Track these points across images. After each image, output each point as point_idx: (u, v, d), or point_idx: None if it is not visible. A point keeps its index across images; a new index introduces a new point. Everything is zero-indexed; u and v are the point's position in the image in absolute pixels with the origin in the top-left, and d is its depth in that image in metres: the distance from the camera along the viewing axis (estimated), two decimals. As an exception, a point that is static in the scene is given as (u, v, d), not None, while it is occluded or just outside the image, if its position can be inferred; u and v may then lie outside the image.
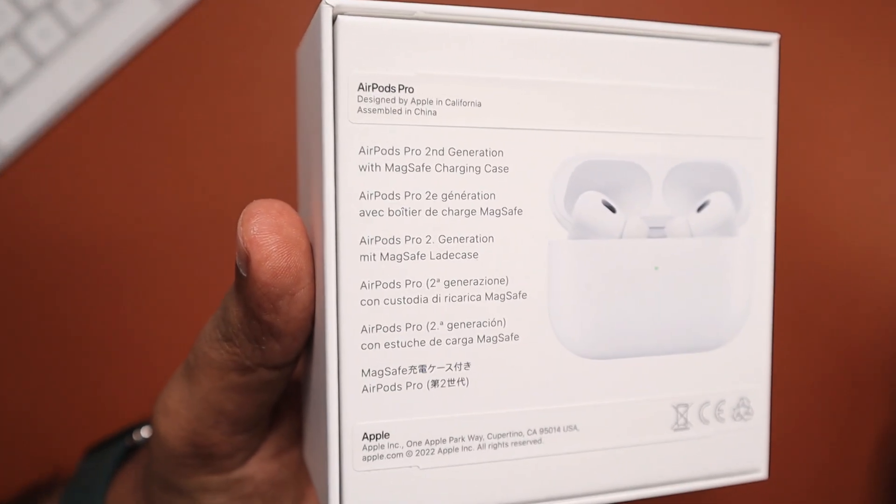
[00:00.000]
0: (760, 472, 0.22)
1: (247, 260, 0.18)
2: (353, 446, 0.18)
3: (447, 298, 0.19)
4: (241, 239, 0.18)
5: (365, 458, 0.18)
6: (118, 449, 0.28)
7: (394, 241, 0.18)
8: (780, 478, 0.42)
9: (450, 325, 0.19)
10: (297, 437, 0.24)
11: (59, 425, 0.38)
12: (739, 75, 0.21)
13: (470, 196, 0.19)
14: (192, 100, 0.40)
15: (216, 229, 0.39)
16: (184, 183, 0.40)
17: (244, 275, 0.19)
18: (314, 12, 0.19)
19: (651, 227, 0.20)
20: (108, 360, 0.39)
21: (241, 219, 0.19)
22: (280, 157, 0.40)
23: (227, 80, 0.41)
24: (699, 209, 0.21)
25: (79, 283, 0.39)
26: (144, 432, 0.29)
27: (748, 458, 0.22)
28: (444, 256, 0.19)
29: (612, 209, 0.20)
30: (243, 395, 0.21)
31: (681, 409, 0.21)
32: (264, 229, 0.18)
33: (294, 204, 0.24)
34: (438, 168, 0.19)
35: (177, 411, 0.21)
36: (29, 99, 0.39)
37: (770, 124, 0.21)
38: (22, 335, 0.39)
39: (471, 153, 0.19)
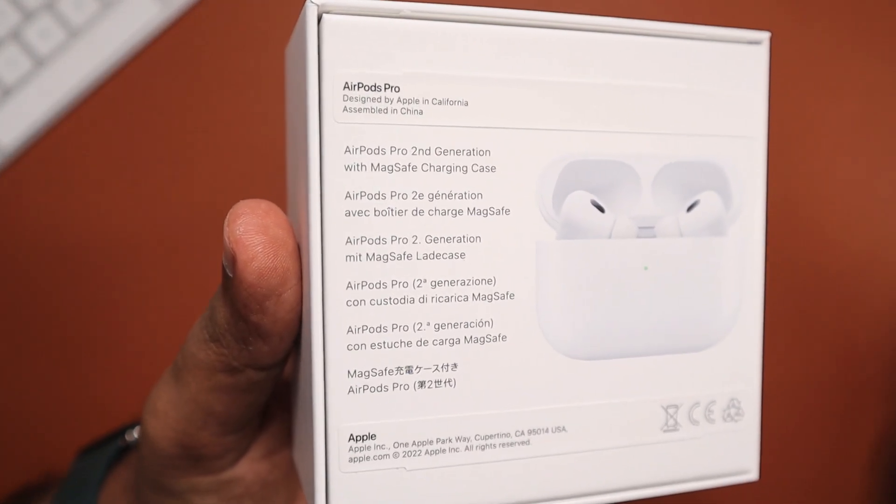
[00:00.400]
0: (751, 474, 0.22)
1: (233, 260, 0.18)
2: (340, 447, 0.18)
3: (434, 299, 0.19)
4: (227, 239, 0.18)
5: (351, 460, 0.18)
6: (111, 449, 0.28)
7: (380, 241, 0.18)
8: (778, 479, 0.42)
9: (437, 326, 0.19)
10: (287, 438, 0.24)
11: (52, 425, 0.38)
12: (730, 74, 0.21)
13: (457, 196, 0.19)
14: (192, 100, 0.40)
15: (215, 229, 0.39)
16: (183, 183, 0.40)
17: (230, 275, 0.19)
18: (307, 12, 0.19)
19: (640, 227, 0.20)
20: (106, 360, 0.39)
21: (227, 219, 0.19)
22: (279, 158, 0.40)
23: (227, 80, 0.41)
24: (689, 209, 0.20)
25: (76, 284, 0.39)
26: (137, 433, 0.29)
27: (739, 460, 0.21)
28: (431, 257, 0.19)
29: (601, 209, 0.20)
30: (231, 396, 0.21)
31: (671, 410, 0.21)
32: (250, 230, 0.18)
33: (284, 204, 0.24)
34: (425, 168, 0.18)
35: (165, 412, 0.21)
36: (29, 99, 0.39)
37: (761, 123, 0.21)
38: (20, 335, 0.39)
39: (457, 153, 0.19)
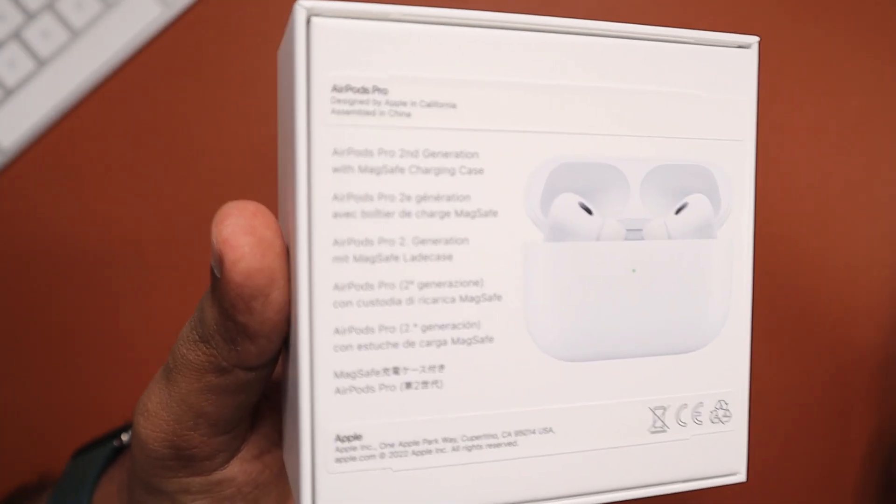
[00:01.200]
0: (739, 475, 0.22)
1: (220, 261, 0.18)
2: (326, 448, 0.18)
3: (421, 300, 0.19)
4: (214, 240, 0.18)
5: (338, 460, 0.18)
6: (105, 450, 0.28)
7: (367, 242, 0.18)
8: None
9: (424, 327, 0.19)
10: (278, 439, 0.24)
11: (48, 426, 0.39)
12: (719, 78, 0.21)
13: (444, 198, 0.19)
14: (192, 100, 0.40)
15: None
16: (183, 183, 0.40)
17: (218, 276, 0.19)
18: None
19: (628, 230, 0.20)
20: (105, 360, 0.39)
21: (214, 220, 0.19)
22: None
23: (227, 80, 0.41)
24: (677, 211, 0.20)
25: (76, 284, 0.39)
26: None
27: (727, 461, 0.21)
28: (418, 258, 0.19)
29: (589, 211, 0.20)
30: (221, 397, 0.21)
31: (658, 412, 0.21)
32: (238, 231, 0.19)
33: (276, 204, 0.24)
34: (412, 170, 0.18)
35: (156, 413, 0.21)
36: (30, 99, 0.40)
37: (750, 126, 0.21)
38: (18, 335, 0.39)
39: (445, 155, 0.19)
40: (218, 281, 0.19)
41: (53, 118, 0.40)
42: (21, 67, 0.40)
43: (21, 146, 0.39)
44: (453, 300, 0.19)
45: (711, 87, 0.21)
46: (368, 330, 0.18)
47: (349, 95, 0.18)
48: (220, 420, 0.22)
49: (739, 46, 0.21)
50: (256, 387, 0.21)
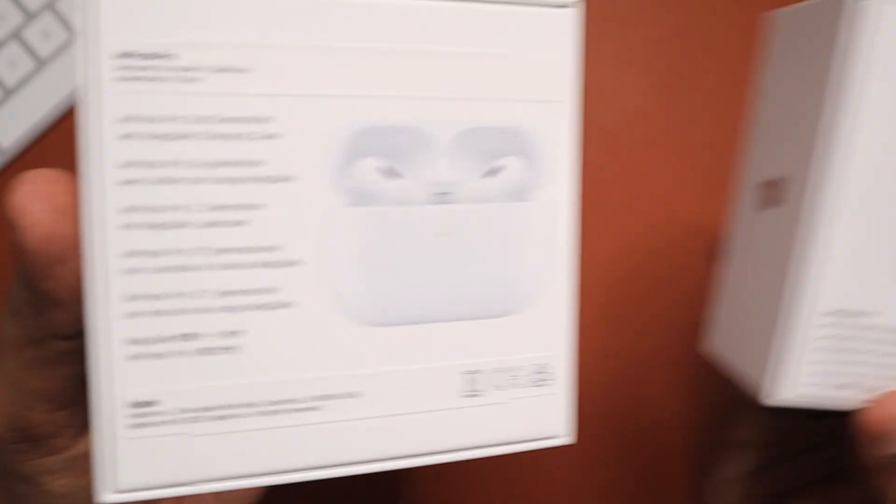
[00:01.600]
0: (561, 438, 0.22)
1: (15, 228, 0.18)
2: (121, 414, 0.18)
3: (216, 266, 0.19)
4: (7, 207, 0.18)
5: (133, 426, 0.18)
6: None
7: (157, 210, 0.18)
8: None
9: (220, 294, 0.19)
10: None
11: None
12: (537, 38, 0.20)
13: (239, 164, 0.19)
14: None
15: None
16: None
17: (15, 243, 0.19)
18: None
19: (436, 193, 0.20)
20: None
21: (10, 187, 0.19)
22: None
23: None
24: (489, 174, 0.20)
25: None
26: None
27: (548, 424, 0.21)
28: (212, 224, 0.19)
29: (394, 175, 0.20)
30: (45, 370, 0.21)
31: (471, 377, 0.21)
32: (32, 197, 0.19)
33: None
34: (204, 136, 0.18)
35: None
36: (30, 99, 0.40)
37: (569, 88, 0.21)
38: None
39: (239, 120, 0.19)
40: (17, 249, 0.19)
41: (53, 118, 0.40)
42: (21, 67, 0.40)
43: (21, 146, 0.40)
44: (251, 266, 0.19)
45: (528, 48, 0.20)
46: (162, 297, 0.18)
47: (137, 62, 0.18)
48: (55, 395, 0.21)
49: (558, 6, 0.21)
50: (80, 357, 0.21)
